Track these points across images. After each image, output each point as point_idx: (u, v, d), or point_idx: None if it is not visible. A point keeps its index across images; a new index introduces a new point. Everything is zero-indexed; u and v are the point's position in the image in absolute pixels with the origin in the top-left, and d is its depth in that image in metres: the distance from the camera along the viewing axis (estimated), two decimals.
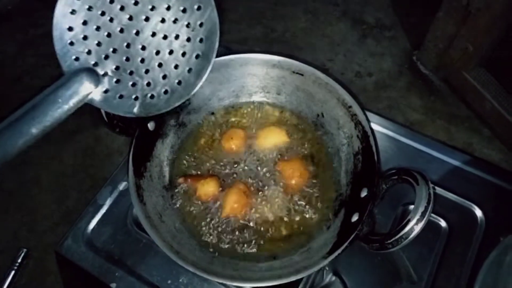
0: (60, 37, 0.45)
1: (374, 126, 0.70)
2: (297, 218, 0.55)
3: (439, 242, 0.60)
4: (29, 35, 1.20)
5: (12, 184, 0.89)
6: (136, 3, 0.46)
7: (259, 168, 0.59)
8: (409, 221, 0.42)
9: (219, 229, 0.55)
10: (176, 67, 0.48)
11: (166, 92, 0.48)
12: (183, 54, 0.48)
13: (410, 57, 1.08)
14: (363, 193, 0.52)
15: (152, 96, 0.48)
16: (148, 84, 0.48)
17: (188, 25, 0.47)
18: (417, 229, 0.42)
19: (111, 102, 0.47)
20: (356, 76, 1.06)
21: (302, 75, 0.59)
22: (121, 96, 0.47)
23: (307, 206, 0.56)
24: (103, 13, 0.46)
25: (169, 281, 0.56)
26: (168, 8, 0.46)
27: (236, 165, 0.59)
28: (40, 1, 1.09)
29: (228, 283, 0.50)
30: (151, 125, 0.56)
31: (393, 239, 0.43)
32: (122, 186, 0.63)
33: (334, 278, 0.55)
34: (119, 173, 0.64)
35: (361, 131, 0.54)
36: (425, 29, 0.98)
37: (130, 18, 0.46)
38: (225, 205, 0.55)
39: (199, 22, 0.47)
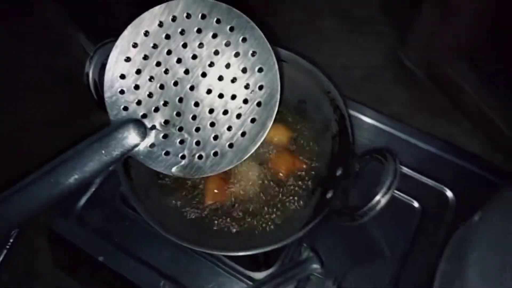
0: (111, 84, 0.43)
1: (356, 114, 0.73)
2: (276, 198, 0.58)
3: (412, 222, 0.63)
4: (26, 25, 1.21)
5: (3, 167, 0.92)
6: (194, 57, 0.43)
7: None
8: (376, 194, 0.45)
9: (202, 209, 0.57)
10: (229, 128, 0.44)
11: (215, 154, 0.44)
12: (238, 116, 0.44)
13: (395, 52, 1.11)
14: (338, 172, 0.55)
15: (200, 157, 0.44)
16: (198, 143, 0.44)
17: (247, 86, 0.43)
18: (383, 201, 0.45)
19: (156, 157, 0.44)
20: (343, 69, 1.09)
21: (285, 61, 0.62)
22: (167, 153, 0.44)
23: (286, 187, 0.59)
24: (158, 64, 0.43)
25: (153, 255, 0.59)
26: (228, 66, 0.43)
27: None
28: None
29: (209, 251, 0.53)
30: None
31: (362, 211, 0.46)
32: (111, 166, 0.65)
33: (311, 254, 0.57)
34: None
35: (338, 115, 0.57)
36: (410, 25, 1.02)
37: (186, 72, 0.44)
38: (206, 194, 0.57)
39: (259, 85, 0.43)
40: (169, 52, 0.43)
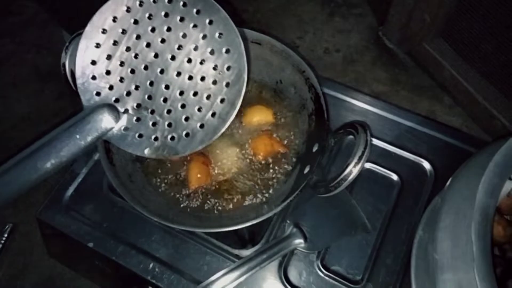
0: (82, 71, 0.44)
1: (339, 95, 0.75)
2: (258, 177, 0.60)
3: (391, 194, 0.65)
4: (8, 23, 1.22)
5: None
6: (162, 41, 0.44)
7: (223, 140, 0.62)
8: (348, 165, 0.47)
9: (186, 192, 0.59)
10: (199, 109, 0.45)
11: (187, 135, 0.46)
12: (208, 97, 0.45)
13: (376, 33, 1.12)
14: (315, 148, 0.57)
15: (172, 138, 0.46)
16: (169, 124, 0.46)
17: (215, 68, 0.45)
18: (355, 171, 0.47)
19: (129, 140, 0.45)
20: (324, 52, 1.10)
21: (259, 44, 0.63)
22: (140, 136, 0.45)
23: (267, 166, 0.61)
24: (128, 48, 0.44)
25: (142, 239, 0.61)
26: (196, 49, 0.44)
27: None
28: None
29: (193, 230, 0.55)
30: None
31: (335, 181, 0.48)
32: (96, 156, 0.67)
33: (294, 230, 0.59)
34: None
35: (313, 93, 0.59)
36: (389, 5, 1.03)
37: (156, 56, 0.45)
38: (190, 180, 0.58)
39: (226, 66, 0.45)
40: (138, 37, 0.44)
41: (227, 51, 0.44)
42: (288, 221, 0.60)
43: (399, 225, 0.63)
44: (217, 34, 0.44)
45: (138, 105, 0.45)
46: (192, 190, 0.58)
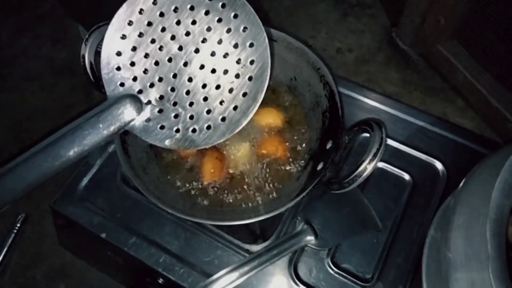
0: (108, 61, 0.45)
1: (351, 93, 0.75)
2: (270, 173, 0.60)
3: (403, 194, 0.65)
4: (24, 17, 1.24)
5: (10, 156, 0.94)
6: (187, 34, 0.45)
7: (237, 136, 0.61)
8: (363, 161, 0.47)
9: (199, 186, 0.59)
10: (221, 103, 0.46)
11: (209, 127, 0.46)
12: (230, 91, 0.45)
13: (389, 34, 1.12)
14: (328, 145, 0.57)
15: (194, 130, 0.46)
16: (191, 117, 0.46)
17: (238, 61, 0.45)
18: (370, 168, 0.47)
19: (151, 131, 0.46)
20: (337, 52, 1.10)
21: (275, 41, 0.63)
22: (162, 127, 0.46)
23: (280, 162, 0.61)
24: (153, 41, 0.45)
25: (154, 231, 0.61)
26: (220, 42, 0.45)
27: None
28: None
29: (205, 222, 0.55)
30: None
31: (349, 178, 0.48)
32: (111, 148, 0.68)
33: (305, 226, 0.60)
34: None
35: (328, 90, 0.59)
36: (402, 6, 1.03)
37: (180, 48, 0.45)
38: (203, 174, 0.59)
39: (250, 60, 0.45)
40: (163, 29, 0.45)
41: (251, 45, 0.44)
42: (299, 218, 0.61)
43: (410, 225, 0.63)
44: (241, 28, 0.44)
45: (161, 97, 0.46)
46: (205, 184, 0.59)
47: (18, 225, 0.83)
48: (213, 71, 0.45)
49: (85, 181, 0.65)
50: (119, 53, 0.45)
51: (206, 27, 0.44)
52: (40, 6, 1.24)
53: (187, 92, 0.46)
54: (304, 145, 0.62)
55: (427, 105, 1.00)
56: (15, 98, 1.09)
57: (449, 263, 0.44)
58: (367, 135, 0.51)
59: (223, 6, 0.44)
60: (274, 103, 0.65)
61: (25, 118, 1.05)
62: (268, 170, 0.60)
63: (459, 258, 0.43)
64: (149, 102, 0.46)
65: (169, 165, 0.61)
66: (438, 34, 0.95)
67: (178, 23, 0.45)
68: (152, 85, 0.46)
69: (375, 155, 0.47)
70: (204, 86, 0.46)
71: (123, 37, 0.45)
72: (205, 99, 0.46)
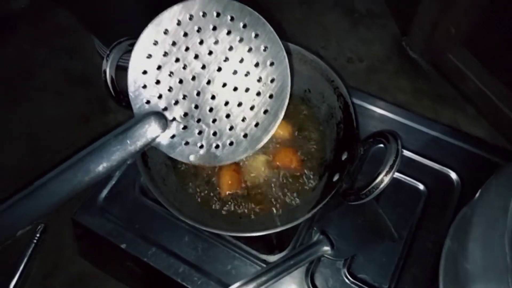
0: (134, 80, 0.47)
1: (363, 103, 0.76)
2: (286, 184, 0.61)
3: (418, 204, 0.65)
4: (41, 30, 1.27)
5: (30, 168, 0.96)
6: (210, 53, 0.46)
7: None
8: (379, 173, 0.48)
9: (217, 197, 0.60)
10: (243, 119, 0.47)
11: (231, 143, 0.47)
12: (252, 108, 0.47)
13: (399, 43, 1.13)
14: (344, 156, 0.58)
15: (217, 146, 0.48)
16: (215, 133, 0.47)
17: (259, 80, 0.46)
18: (386, 180, 0.48)
19: (176, 147, 0.47)
20: (348, 61, 1.11)
21: (290, 54, 0.65)
22: (187, 143, 0.48)
23: (295, 173, 0.62)
24: (177, 60, 0.46)
25: (173, 242, 0.62)
26: (241, 61, 0.46)
27: None
28: (51, 0, 1.16)
29: (224, 233, 0.56)
30: None
31: (366, 190, 0.49)
32: (129, 160, 0.69)
33: (321, 237, 0.60)
34: None
35: (342, 102, 0.60)
36: (412, 16, 1.04)
37: (203, 67, 0.46)
38: (221, 186, 0.60)
39: (270, 78, 0.46)
40: (187, 49, 0.46)
41: (271, 64, 0.46)
42: (315, 228, 0.61)
43: (425, 235, 0.63)
44: (262, 47, 0.46)
45: (185, 114, 0.47)
46: (223, 195, 0.60)
47: (38, 235, 0.84)
48: (235, 89, 0.47)
49: (104, 192, 0.67)
50: (145, 72, 0.47)
51: (228, 46, 0.46)
52: (56, 18, 1.28)
53: (210, 109, 0.47)
54: (319, 156, 0.63)
55: (438, 113, 1.01)
56: (32, 109, 1.11)
57: (467, 274, 0.44)
58: (381, 145, 0.52)
59: (244, 26, 0.45)
60: (288, 115, 0.66)
61: (42, 129, 1.07)
62: (284, 181, 0.61)
63: (477, 270, 0.44)
64: (174, 119, 0.47)
65: (187, 176, 0.62)
66: (449, 43, 0.96)
67: (201, 42, 0.46)
68: (176, 103, 0.47)
69: (391, 167, 0.48)
70: (226, 103, 0.47)
71: (149, 56, 0.46)
72: (228, 116, 0.47)
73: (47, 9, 1.28)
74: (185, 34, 0.46)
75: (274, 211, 0.59)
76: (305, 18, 1.22)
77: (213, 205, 0.59)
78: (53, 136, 1.06)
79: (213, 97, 0.47)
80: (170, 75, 0.47)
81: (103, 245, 0.64)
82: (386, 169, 0.48)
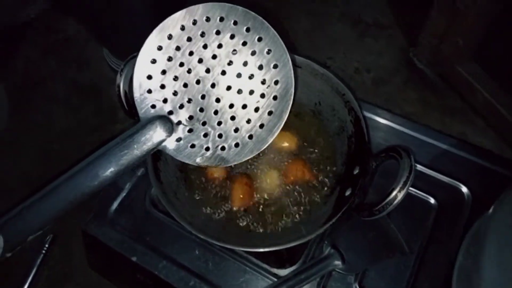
0: (140, 85, 0.47)
1: (371, 115, 0.76)
2: (298, 198, 0.61)
3: (429, 217, 0.65)
4: (51, 41, 1.28)
5: (38, 178, 0.97)
6: (214, 57, 0.47)
7: (262, 160, 0.64)
8: (393, 190, 0.48)
9: (229, 211, 0.60)
10: (248, 121, 0.48)
11: (237, 145, 0.48)
12: (256, 110, 0.47)
13: (406, 54, 1.13)
14: (356, 171, 0.58)
15: (223, 148, 0.48)
16: (220, 135, 0.48)
17: (263, 82, 0.47)
18: (400, 196, 0.48)
19: (182, 150, 0.48)
20: (355, 72, 1.12)
21: (300, 67, 0.65)
22: (193, 146, 0.48)
23: (306, 187, 0.62)
24: (181, 64, 0.47)
25: (184, 255, 0.62)
26: (245, 64, 0.47)
27: None
28: (60, 11, 1.18)
29: (235, 248, 0.56)
30: None
31: (379, 206, 0.49)
32: (139, 171, 0.69)
33: (332, 251, 0.60)
34: None
35: (353, 116, 0.60)
36: (420, 27, 1.04)
37: (207, 71, 0.47)
38: (233, 199, 0.60)
39: (274, 80, 0.47)
40: (191, 53, 0.47)
41: (275, 66, 0.47)
42: (326, 242, 0.61)
43: (437, 249, 0.62)
44: (265, 50, 0.46)
45: (191, 117, 0.48)
46: (234, 210, 0.60)
47: (47, 245, 0.84)
48: (240, 91, 0.48)
49: (115, 204, 0.67)
50: (149, 77, 0.47)
51: (232, 50, 0.47)
52: (65, 30, 1.29)
53: (215, 112, 0.48)
54: (330, 169, 0.63)
55: (446, 125, 1.01)
56: (42, 120, 1.12)
57: None
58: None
59: (248, 30, 0.46)
60: (299, 127, 0.67)
61: (52, 140, 1.08)
62: (295, 194, 0.61)
63: (492, 287, 0.43)
64: (179, 122, 0.48)
65: (198, 189, 0.62)
66: (457, 55, 0.97)
67: (205, 47, 0.47)
68: (182, 106, 0.48)
69: (405, 183, 0.48)
70: (231, 106, 0.48)
71: (153, 61, 0.47)
72: (233, 118, 0.48)
73: (56, 19, 1.29)
74: (189, 39, 0.47)
75: (286, 225, 0.59)
76: (312, 28, 1.23)
77: (225, 219, 0.59)
78: (63, 147, 1.07)
79: (218, 100, 0.48)
80: (175, 79, 0.47)
81: (114, 257, 0.64)
82: (400, 185, 0.48)
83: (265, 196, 0.61)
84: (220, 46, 0.46)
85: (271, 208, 0.60)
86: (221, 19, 0.46)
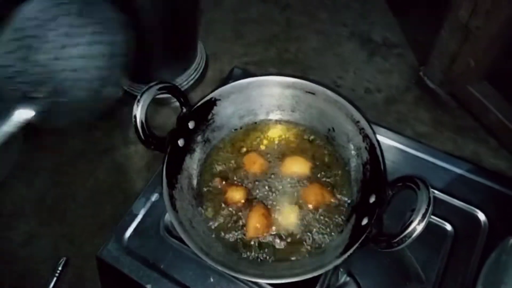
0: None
1: (383, 138, 0.75)
2: (313, 227, 0.61)
3: (445, 244, 0.64)
4: None
5: (52, 200, 0.97)
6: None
7: (279, 189, 0.64)
8: (411, 222, 0.47)
9: (244, 240, 0.60)
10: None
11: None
12: None
13: (417, 73, 1.13)
14: (372, 199, 0.57)
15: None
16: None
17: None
18: (419, 229, 0.47)
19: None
20: (366, 92, 1.12)
21: (313, 94, 0.65)
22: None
23: (321, 216, 0.62)
24: None
25: (198, 282, 0.62)
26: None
27: (257, 182, 0.65)
28: None
29: (252, 279, 0.56)
30: (180, 142, 0.63)
31: (398, 238, 0.48)
32: (154, 197, 0.70)
33: (348, 278, 0.59)
34: (151, 186, 0.71)
35: (368, 143, 0.60)
36: (430, 46, 1.04)
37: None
38: (248, 229, 0.60)
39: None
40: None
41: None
42: (341, 269, 0.60)
43: (454, 277, 0.61)
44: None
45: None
46: (248, 239, 0.60)
47: (60, 268, 0.85)
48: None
49: (129, 231, 0.67)
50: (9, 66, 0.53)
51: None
52: None
53: None
54: (345, 197, 0.63)
55: (458, 145, 1.00)
56: (55, 141, 1.13)
57: None
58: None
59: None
60: (313, 153, 0.67)
61: (65, 161, 1.09)
62: (312, 224, 0.61)
63: None
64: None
65: (214, 217, 0.62)
66: (468, 75, 0.96)
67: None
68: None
69: (423, 216, 0.47)
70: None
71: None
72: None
73: None
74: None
75: (303, 254, 0.58)
76: (322, 48, 1.24)
77: (240, 248, 0.59)
78: (76, 169, 1.08)
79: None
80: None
81: (129, 284, 0.64)
82: (419, 218, 0.47)
83: (281, 227, 0.61)
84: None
85: (286, 238, 0.60)
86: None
